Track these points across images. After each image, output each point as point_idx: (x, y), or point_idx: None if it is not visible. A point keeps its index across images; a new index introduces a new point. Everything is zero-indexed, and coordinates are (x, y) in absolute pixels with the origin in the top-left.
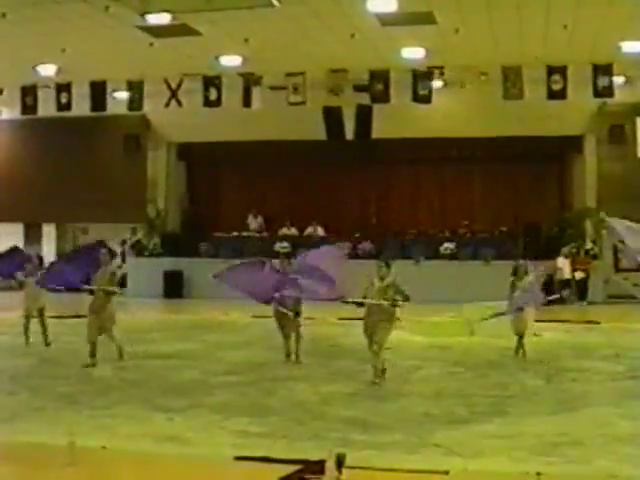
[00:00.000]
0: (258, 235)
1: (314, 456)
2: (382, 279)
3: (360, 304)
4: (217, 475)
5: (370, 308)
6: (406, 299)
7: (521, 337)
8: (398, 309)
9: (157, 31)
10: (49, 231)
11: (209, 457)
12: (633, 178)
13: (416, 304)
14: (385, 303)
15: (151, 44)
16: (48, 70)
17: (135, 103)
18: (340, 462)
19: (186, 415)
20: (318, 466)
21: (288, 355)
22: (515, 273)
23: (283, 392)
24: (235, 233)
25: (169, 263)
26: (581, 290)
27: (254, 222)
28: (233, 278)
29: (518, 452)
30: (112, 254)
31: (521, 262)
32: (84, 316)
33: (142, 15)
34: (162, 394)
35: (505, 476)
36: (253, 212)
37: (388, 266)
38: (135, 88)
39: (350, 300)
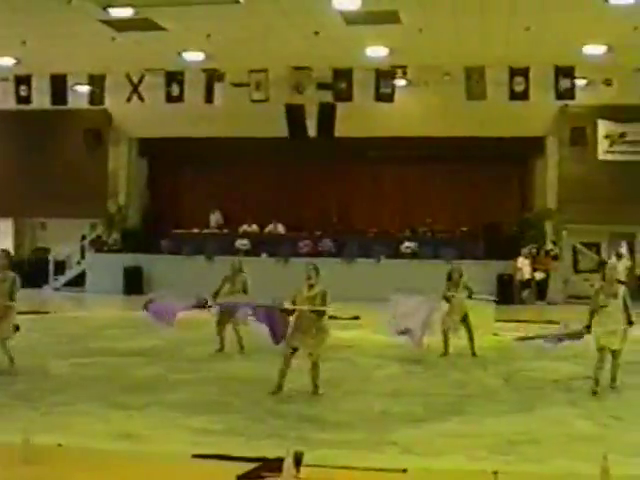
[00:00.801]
0: (218, 232)
1: (272, 454)
2: (310, 287)
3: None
4: (175, 473)
5: (300, 319)
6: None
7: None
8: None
9: (120, 25)
10: (6, 226)
11: (167, 455)
12: (593, 180)
13: (377, 303)
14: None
15: (113, 38)
16: (7, 62)
17: (96, 97)
18: (298, 460)
19: (144, 412)
20: (276, 464)
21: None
22: (449, 278)
23: (242, 390)
24: (196, 230)
25: (129, 259)
26: (540, 290)
27: (213, 218)
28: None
29: (476, 451)
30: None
31: (455, 266)
32: (43, 312)
33: (104, 8)
34: (120, 391)
35: (463, 474)
36: (212, 208)
37: (317, 272)
38: (96, 82)
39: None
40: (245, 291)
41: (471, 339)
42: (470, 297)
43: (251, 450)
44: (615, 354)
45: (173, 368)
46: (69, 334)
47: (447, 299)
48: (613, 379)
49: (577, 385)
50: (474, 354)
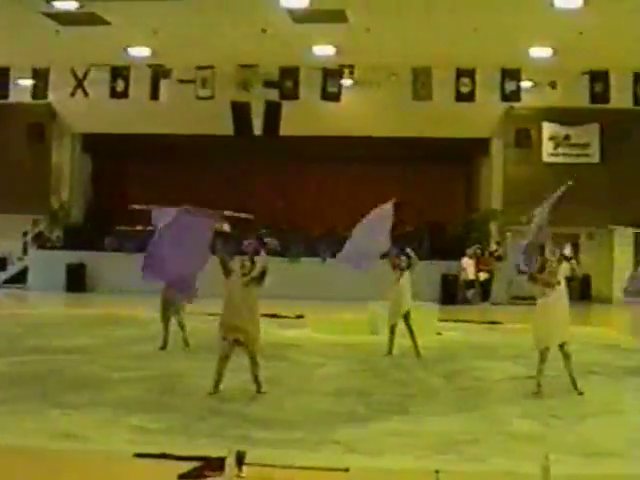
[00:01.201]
0: None
1: (214, 453)
2: (246, 274)
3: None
4: (115, 472)
5: (235, 307)
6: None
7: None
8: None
9: (64, 19)
10: None
11: (107, 454)
12: (538, 182)
13: (321, 302)
14: None
15: (57, 32)
16: None
17: (40, 91)
18: (240, 459)
19: (85, 411)
20: (218, 463)
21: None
22: (394, 268)
23: (184, 388)
24: (140, 227)
25: (72, 256)
26: (485, 291)
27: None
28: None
29: (417, 450)
30: None
31: (397, 259)
32: None
33: (48, 1)
34: (61, 389)
35: (404, 473)
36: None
37: (253, 262)
38: (40, 76)
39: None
40: None
41: (413, 339)
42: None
43: (193, 449)
44: (565, 354)
45: (114, 366)
46: (8, 332)
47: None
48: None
49: (519, 384)
50: (418, 353)
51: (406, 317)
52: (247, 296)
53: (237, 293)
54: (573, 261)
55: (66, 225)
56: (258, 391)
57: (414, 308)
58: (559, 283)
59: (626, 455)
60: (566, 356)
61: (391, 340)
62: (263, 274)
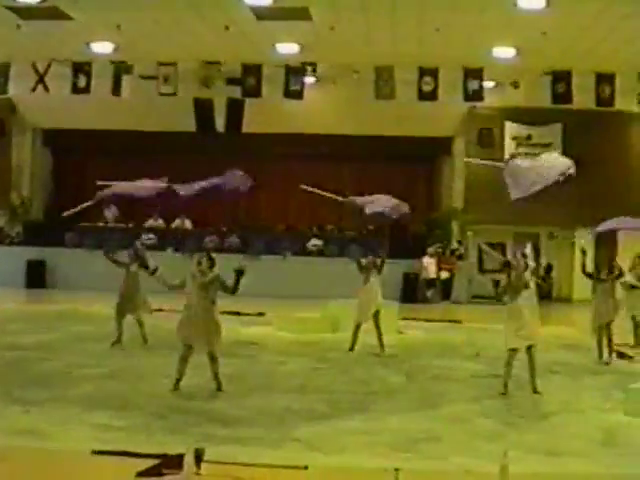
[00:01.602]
0: (124, 226)
1: (174, 451)
2: (203, 273)
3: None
4: (74, 469)
5: (191, 310)
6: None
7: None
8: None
9: (26, 13)
10: None
11: (67, 451)
12: (499, 182)
13: (282, 299)
14: None
15: (19, 26)
16: None
17: (0, 86)
18: (198, 457)
19: (45, 408)
20: (176, 460)
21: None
22: (361, 270)
23: (144, 386)
24: (100, 223)
25: (32, 252)
26: (445, 289)
27: (110, 213)
28: None
29: (378, 448)
30: None
31: (363, 260)
32: None
33: None
34: (20, 386)
35: (364, 472)
36: (105, 203)
37: (211, 259)
38: (0, 71)
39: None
40: None
41: (380, 338)
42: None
43: (152, 447)
44: (531, 355)
45: (74, 363)
46: None
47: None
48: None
49: (479, 383)
50: (383, 351)
51: (376, 316)
52: (204, 298)
53: (194, 295)
54: (532, 261)
55: (26, 221)
56: (218, 389)
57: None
58: (527, 286)
59: (585, 454)
60: (531, 358)
61: (355, 337)
62: (237, 283)
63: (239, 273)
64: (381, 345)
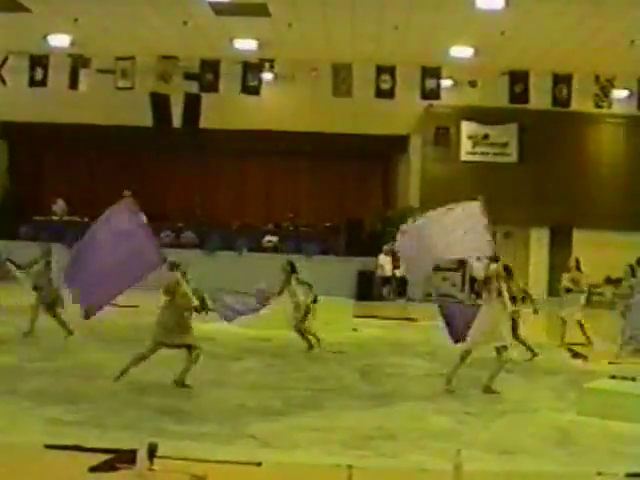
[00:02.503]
0: (79, 220)
1: (128, 446)
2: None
3: None
4: (26, 464)
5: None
6: None
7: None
8: None
9: None
10: None
11: (19, 445)
12: (455, 180)
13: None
14: None
15: None
16: None
17: None
18: (152, 451)
19: None
20: (129, 455)
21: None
22: (293, 270)
23: (98, 380)
24: (56, 217)
25: None
26: (401, 287)
27: (58, 208)
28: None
29: (331, 445)
30: None
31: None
32: None
33: None
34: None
35: (317, 468)
36: (54, 200)
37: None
38: None
39: None
40: None
41: (313, 335)
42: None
43: (107, 442)
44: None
45: (27, 357)
46: None
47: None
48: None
49: (434, 381)
50: (311, 347)
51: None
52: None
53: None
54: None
55: None
56: (183, 385)
57: (330, 305)
58: (497, 289)
59: (538, 452)
60: (499, 359)
61: (304, 337)
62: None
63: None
64: (312, 343)
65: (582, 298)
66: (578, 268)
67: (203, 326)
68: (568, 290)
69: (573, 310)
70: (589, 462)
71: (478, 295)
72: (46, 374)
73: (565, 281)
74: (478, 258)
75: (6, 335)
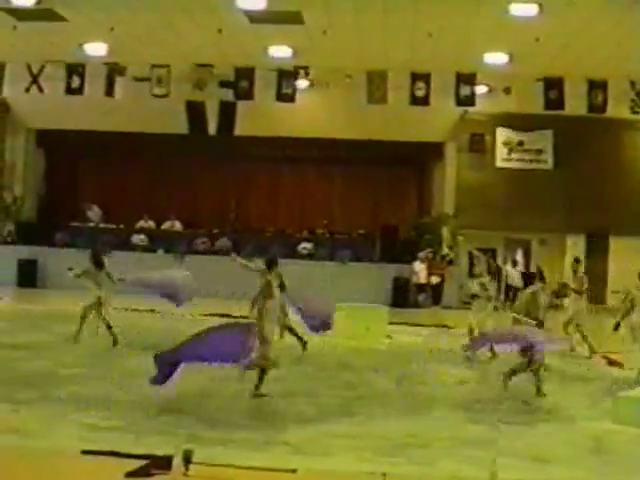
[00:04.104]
0: (115, 227)
1: (162, 451)
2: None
3: None
4: (63, 469)
5: None
6: None
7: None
8: None
9: (21, 14)
10: None
11: (55, 450)
12: (490, 187)
13: None
14: None
15: (14, 27)
16: None
17: None
18: (187, 458)
19: (33, 407)
20: (165, 461)
21: None
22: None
23: (133, 386)
24: (92, 223)
25: (23, 251)
26: (436, 294)
27: (94, 215)
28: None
29: (365, 452)
30: None
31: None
32: None
33: None
34: (9, 385)
35: (351, 476)
36: (88, 206)
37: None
38: None
39: None
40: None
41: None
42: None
43: (141, 447)
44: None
45: (63, 362)
46: None
47: None
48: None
49: (468, 389)
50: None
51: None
52: None
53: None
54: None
55: (18, 220)
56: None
57: (363, 310)
58: None
59: (572, 461)
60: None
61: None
62: None
63: None
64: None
65: (490, 305)
66: (497, 272)
67: None
68: (474, 296)
69: (482, 317)
70: (623, 471)
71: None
72: (82, 380)
73: (474, 286)
74: (514, 265)
75: (41, 341)
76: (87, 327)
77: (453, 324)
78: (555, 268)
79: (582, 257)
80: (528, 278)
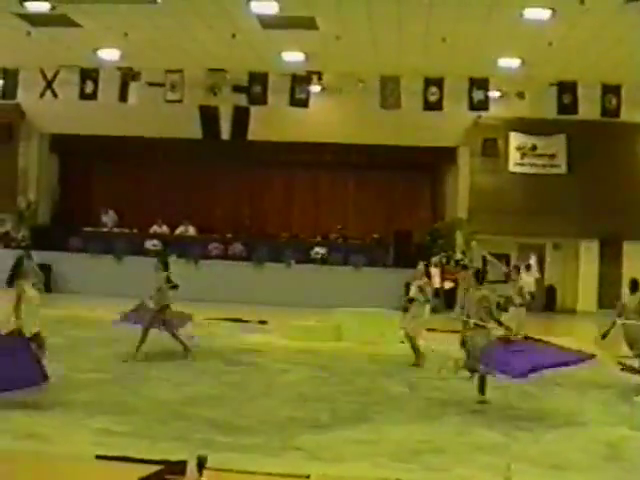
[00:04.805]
0: (128, 232)
1: (176, 457)
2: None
3: None
4: (77, 474)
5: None
6: None
7: None
8: None
9: (36, 20)
10: None
11: (69, 455)
12: (504, 191)
13: (286, 307)
14: None
15: (29, 33)
16: None
17: (9, 92)
18: (201, 463)
19: (47, 412)
20: (179, 467)
21: None
22: (164, 266)
23: (147, 391)
24: (105, 229)
25: (37, 256)
26: (449, 299)
27: (108, 219)
28: None
29: (379, 458)
30: None
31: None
32: None
33: (21, 2)
34: (23, 390)
35: None
36: (105, 210)
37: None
38: (9, 76)
39: None
40: None
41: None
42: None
43: (155, 452)
44: None
45: (76, 368)
46: None
47: None
48: None
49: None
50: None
51: None
52: None
53: None
54: (537, 272)
55: (32, 225)
56: None
57: (376, 315)
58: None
59: (588, 467)
60: None
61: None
62: None
63: None
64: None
65: (427, 308)
66: (428, 275)
67: (249, 338)
68: (411, 300)
69: (418, 322)
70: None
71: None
72: (96, 385)
73: (413, 290)
74: (527, 270)
75: (56, 345)
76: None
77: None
78: (569, 272)
79: (596, 261)
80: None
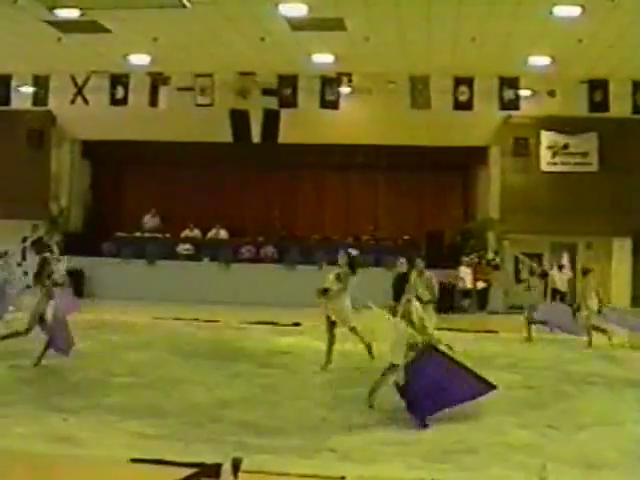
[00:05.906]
0: (160, 236)
1: (210, 459)
2: None
3: None
4: (111, 477)
5: None
6: None
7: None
8: None
9: (66, 26)
10: None
11: (103, 458)
12: (535, 190)
13: (318, 309)
14: None
15: (59, 39)
16: None
17: (40, 98)
18: (236, 466)
19: (81, 415)
20: (214, 469)
21: None
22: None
23: (181, 394)
24: (138, 233)
25: (70, 262)
26: (482, 299)
27: (151, 221)
28: None
29: (412, 459)
30: None
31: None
32: None
33: (51, 9)
34: (58, 394)
35: None
36: (152, 211)
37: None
38: (41, 83)
39: None
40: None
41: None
42: None
43: (189, 455)
44: None
45: (110, 371)
46: None
47: None
48: None
49: (516, 394)
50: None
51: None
52: None
53: None
54: (570, 271)
55: (65, 231)
56: None
57: None
58: None
59: (623, 466)
60: None
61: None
62: None
63: None
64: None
65: (345, 296)
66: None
67: (282, 340)
68: (325, 291)
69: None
70: None
71: None
72: (128, 388)
73: (328, 280)
74: (560, 269)
75: (90, 350)
76: None
77: (499, 329)
78: (602, 271)
79: (629, 260)
80: None
